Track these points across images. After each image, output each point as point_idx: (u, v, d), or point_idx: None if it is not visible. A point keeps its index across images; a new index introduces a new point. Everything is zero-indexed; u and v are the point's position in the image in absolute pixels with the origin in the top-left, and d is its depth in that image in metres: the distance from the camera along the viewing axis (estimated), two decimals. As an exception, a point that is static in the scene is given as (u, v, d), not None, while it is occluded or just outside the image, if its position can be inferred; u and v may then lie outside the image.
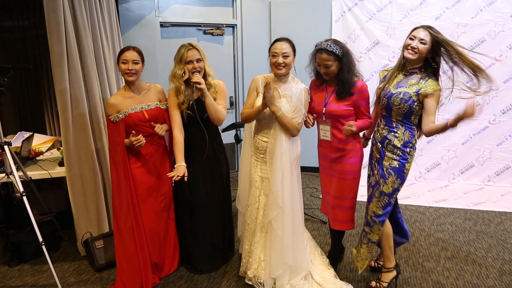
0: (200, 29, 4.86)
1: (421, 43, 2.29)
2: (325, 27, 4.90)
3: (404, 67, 2.43)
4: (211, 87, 2.64)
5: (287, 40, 2.45)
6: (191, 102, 2.59)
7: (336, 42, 2.39)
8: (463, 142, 4.67)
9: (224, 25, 4.98)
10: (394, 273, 2.61)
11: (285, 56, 2.40)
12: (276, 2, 5.10)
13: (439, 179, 4.76)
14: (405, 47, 2.36)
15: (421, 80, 2.34)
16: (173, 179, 2.49)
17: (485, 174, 4.64)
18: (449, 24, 4.52)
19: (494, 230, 3.50)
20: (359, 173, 2.57)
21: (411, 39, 2.34)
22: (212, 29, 4.92)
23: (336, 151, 2.54)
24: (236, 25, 5.01)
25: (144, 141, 2.55)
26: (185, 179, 2.52)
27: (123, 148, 2.57)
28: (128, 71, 2.54)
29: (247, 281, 2.68)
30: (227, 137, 3.96)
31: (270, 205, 2.49)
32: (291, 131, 2.43)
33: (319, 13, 4.93)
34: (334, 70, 2.40)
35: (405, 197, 4.33)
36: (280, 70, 2.43)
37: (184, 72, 2.56)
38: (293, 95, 2.44)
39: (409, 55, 2.33)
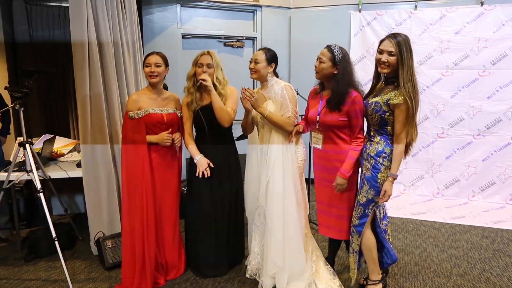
0: (220, 41, 4.99)
1: (390, 55, 2.29)
2: (344, 40, 4.93)
3: (385, 77, 2.43)
4: (221, 96, 2.71)
5: (264, 49, 2.63)
6: (198, 107, 2.70)
7: (340, 47, 2.44)
8: (484, 158, 4.54)
9: (244, 38, 5.10)
10: (380, 286, 2.57)
11: (255, 62, 2.59)
12: (295, 15, 5.19)
13: (458, 196, 4.63)
14: (377, 61, 2.38)
15: (394, 89, 2.33)
16: (201, 176, 2.66)
17: (507, 192, 4.48)
18: (469, 38, 4.47)
19: (512, 249, 3.37)
20: (355, 184, 2.56)
21: (380, 53, 2.34)
22: (232, 41, 5.05)
23: (330, 161, 2.52)
24: (256, 37, 5.12)
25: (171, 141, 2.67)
26: (211, 164, 2.70)
27: (144, 145, 2.63)
28: (151, 73, 2.66)
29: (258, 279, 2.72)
30: (242, 148, 4.01)
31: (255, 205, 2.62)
32: (284, 127, 2.52)
33: (338, 27, 4.97)
34: (324, 68, 2.42)
35: (421, 212, 4.24)
36: (251, 74, 2.64)
37: (193, 73, 2.72)
38: (276, 95, 2.55)
39: (382, 70, 2.35)
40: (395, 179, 2.37)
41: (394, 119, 2.33)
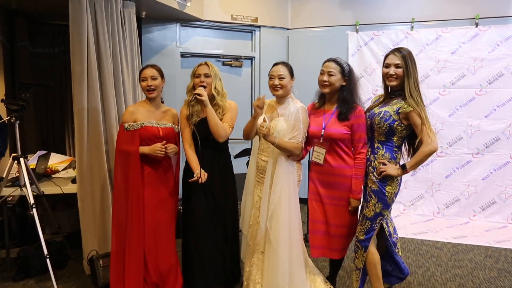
0: (219, 61, 5.02)
1: (397, 67, 2.33)
2: (342, 60, 4.97)
3: (391, 90, 2.45)
4: (219, 108, 2.66)
5: (284, 64, 2.53)
6: (198, 119, 2.64)
7: (344, 61, 2.47)
8: (484, 177, 4.51)
9: (243, 57, 5.14)
10: None
11: (281, 78, 2.46)
12: (293, 36, 5.26)
13: (458, 215, 4.57)
14: (384, 76, 2.39)
15: (403, 101, 2.34)
16: (199, 181, 2.55)
17: (508, 212, 4.43)
18: (465, 58, 4.53)
19: (517, 268, 3.29)
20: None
21: (386, 67, 2.37)
22: (231, 61, 5.08)
23: (334, 176, 2.48)
24: (254, 57, 5.17)
25: (164, 153, 2.58)
26: (206, 175, 2.58)
27: (136, 157, 2.54)
28: (148, 87, 2.61)
29: None
30: (242, 167, 3.94)
31: (256, 226, 2.53)
32: (293, 152, 2.45)
33: (335, 47, 5.01)
34: (336, 81, 2.41)
35: (422, 232, 4.17)
36: (276, 91, 2.50)
37: (192, 85, 2.67)
38: (290, 114, 2.46)
39: (391, 82, 2.37)
40: (404, 172, 2.35)
41: (405, 129, 2.35)
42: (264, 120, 2.43)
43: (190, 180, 2.59)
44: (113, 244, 2.62)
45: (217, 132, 2.57)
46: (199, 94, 2.51)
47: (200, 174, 2.55)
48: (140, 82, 2.68)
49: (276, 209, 2.46)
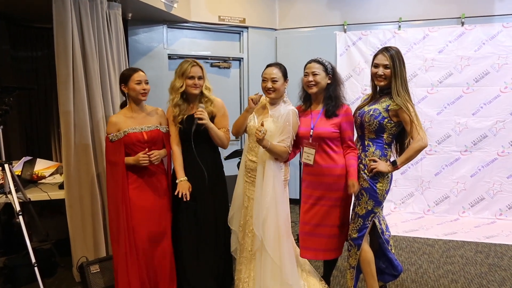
0: (207, 62, 4.97)
1: (386, 68, 2.35)
2: (330, 60, 4.83)
3: (380, 88, 2.47)
4: (209, 101, 2.65)
5: (278, 65, 2.49)
6: (185, 116, 2.61)
7: (325, 59, 2.48)
8: (472, 174, 4.57)
9: (231, 58, 5.10)
10: None
11: (274, 81, 2.43)
12: (281, 36, 5.25)
13: (448, 212, 4.61)
14: (373, 75, 2.41)
15: (391, 99, 2.36)
16: (180, 196, 2.52)
17: (496, 208, 4.49)
18: (452, 57, 4.58)
19: (507, 263, 3.33)
20: (349, 199, 2.52)
21: (375, 67, 2.39)
22: (219, 62, 5.05)
23: (323, 176, 2.46)
24: (242, 58, 5.14)
25: (148, 161, 2.53)
26: (190, 190, 2.58)
27: (122, 168, 2.53)
28: (143, 91, 2.57)
29: None
30: (232, 168, 3.91)
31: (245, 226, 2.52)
32: (280, 156, 2.44)
33: (324, 48, 5.01)
34: (321, 79, 2.41)
35: (413, 229, 4.20)
36: (269, 94, 2.47)
37: (182, 86, 2.60)
38: (280, 116, 2.43)
39: (379, 83, 2.40)
40: (395, 168, 2.36)
41: (395, 126, 2.36)
42: (262, 125, 2.39)
43: (176, 193, 2.56)
44: (118, 247, 2.56)
45: (222, 144, 2.66)
46: (200, 119, 2.48)
47: (183, 189, 2.56)
48: (129, 84, 2.56)
49: (267, 216, 2.42)
